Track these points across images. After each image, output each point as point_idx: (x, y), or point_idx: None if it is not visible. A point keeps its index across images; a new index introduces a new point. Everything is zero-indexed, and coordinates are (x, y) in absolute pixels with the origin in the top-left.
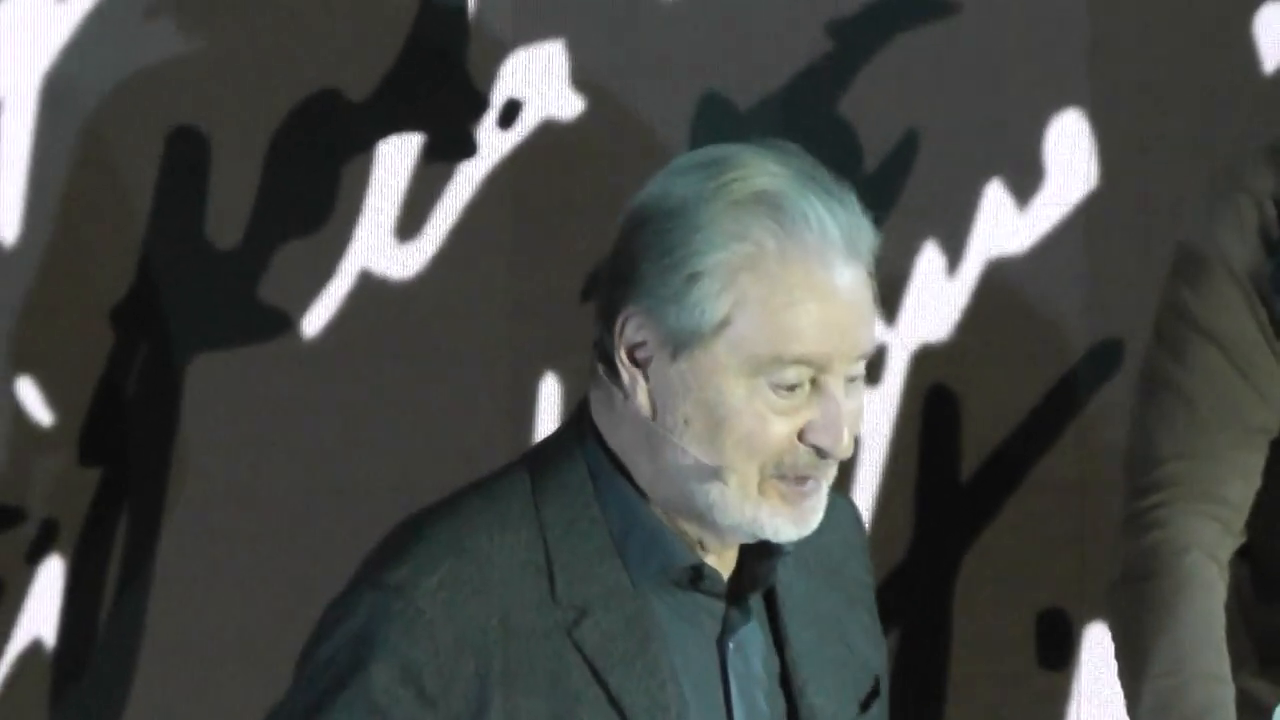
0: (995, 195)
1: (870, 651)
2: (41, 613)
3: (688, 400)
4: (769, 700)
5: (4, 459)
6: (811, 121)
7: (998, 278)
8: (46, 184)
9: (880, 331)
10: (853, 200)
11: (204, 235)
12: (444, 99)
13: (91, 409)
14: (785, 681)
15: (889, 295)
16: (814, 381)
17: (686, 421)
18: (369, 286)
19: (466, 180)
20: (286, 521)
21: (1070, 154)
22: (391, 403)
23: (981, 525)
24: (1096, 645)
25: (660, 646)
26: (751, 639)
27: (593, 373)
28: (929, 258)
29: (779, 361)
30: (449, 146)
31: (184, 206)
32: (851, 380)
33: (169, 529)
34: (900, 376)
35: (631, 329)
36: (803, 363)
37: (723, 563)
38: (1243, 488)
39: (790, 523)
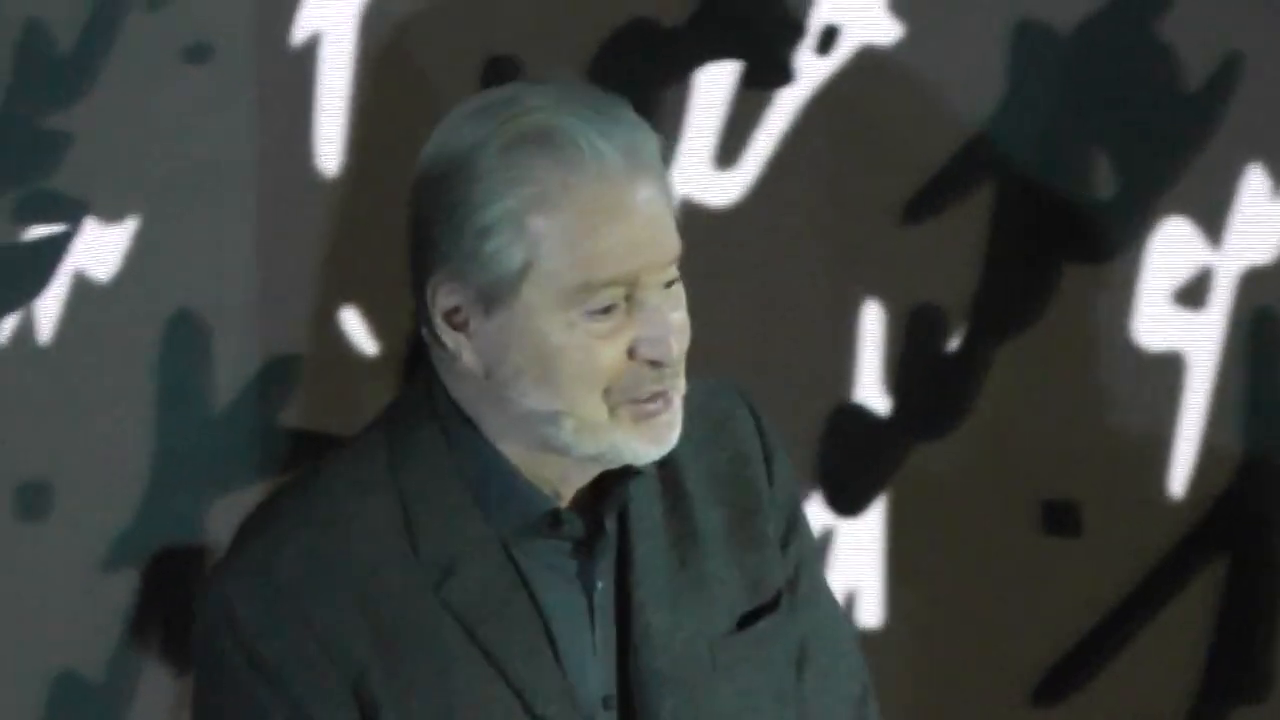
0: None
1: (763, 565)
2: None
3: (513, 351)
4: (612, 621)
5: (330, 390)
6: (1131, 44)
7: None
8: (365, 116)
9: (1206, 254)
10: (627, 112)
11: None
12: (761, 26)
13: (415, 337)
14: (625, 601)
15: (1214, 217)
16: (628, 298)
17: (518, 371)
18: (688, 213)
19: (784, 107)
20: None
21: None
22: (712, 329)
23: None
24: None
25: (527, 594)
26: (608, 566)
27: (426, 336)
28: (1254, 179)
29: (589, 288)
30: (766, 73)
31: None
32: (668, 286)
33: None
34: (1226, 300)
35: (443, 295)
36: (613, 284)
37: (576, 496)
38: None
39: (648, 443)
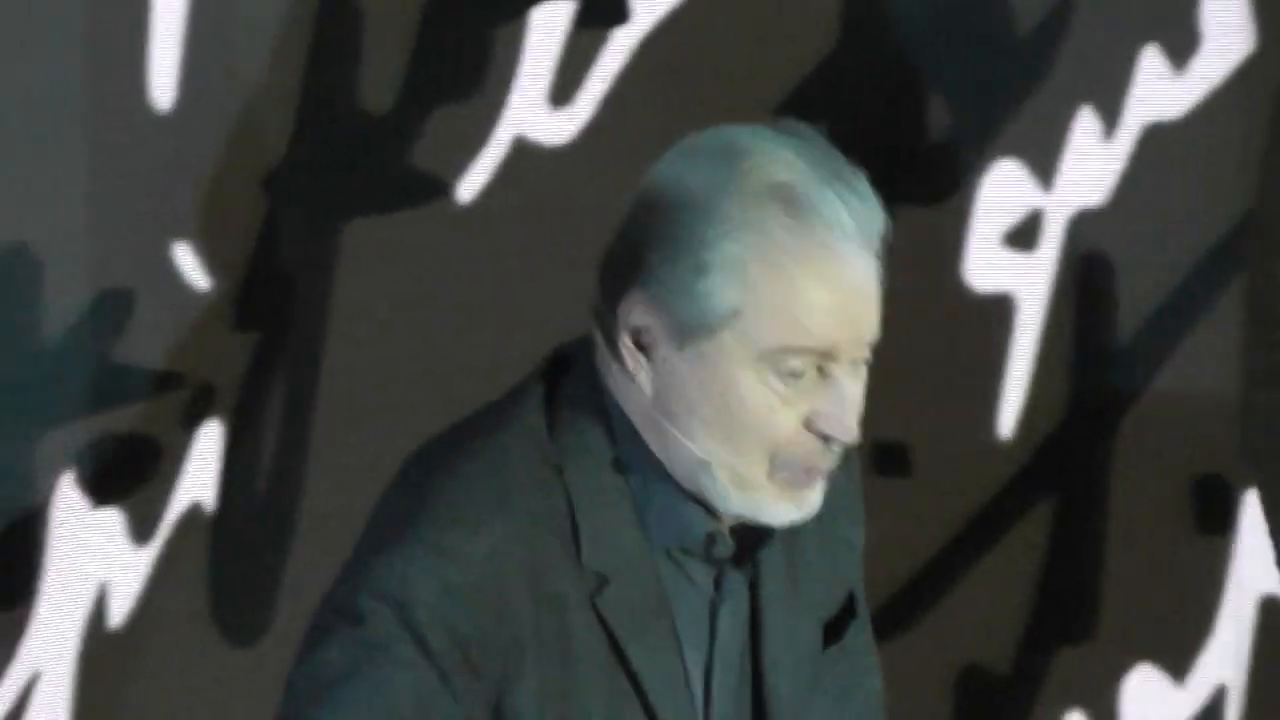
0: (1152, 59)
1: (843, 567)
2: (200, 477)
3: (694, 389)
4: (736, 665)
5: (162, 325)
6: None
7: (1154, 142)
8: (199, 48)
9: (1037, 197)
10: (866, 186)
11: (357, 102)
12: None
13: (248, 275)
14: (754, 651)
15: (1044, 160)
16: (820, 369)
17: (691, 410)
18: (523, 152)
19: (620, 46)
20: (440, 386)
21: (1227, 16)
22: (544, 267)
23: (1138, 391)
24: (1254, 510)
25: (670, 616)
26: (739, 603)
27: (597, 339)
28: (1085, 123)
29: (787, 352)
30: (602, 12)
31: (338, 74)
32: (855, 364)
33: (325, 394)
34: (1056, 242)
35: (638, 314)
36: (810, 353)
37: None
38: None
39: (793, 507)
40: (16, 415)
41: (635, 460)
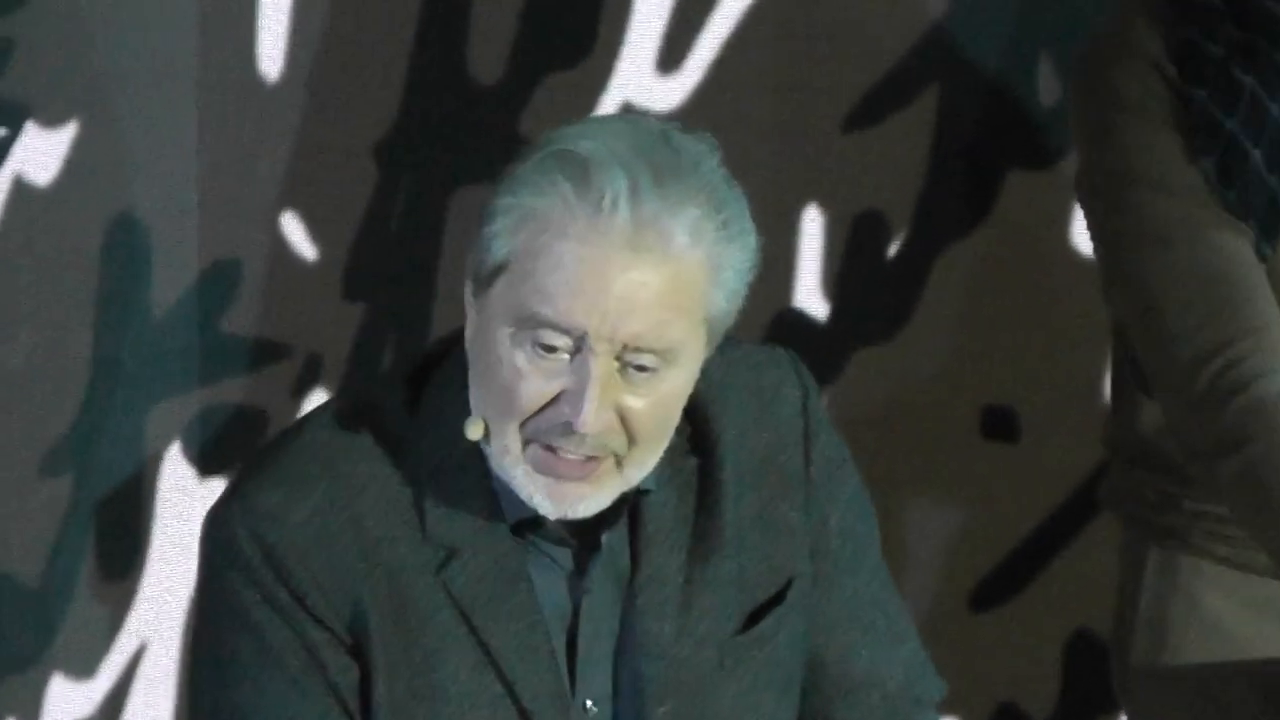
0: None
1: (781, 555)
2: None
3: (476, 341)
4: (613, 627)
5: (270, 295)
6: None
7: None
8: (308, 21)
9: None
10: (693, 193)
11: (465, 70)
12: None
13: (356, 244)
14: (622, 633)
15: None
16: (579, 352)
17: (473, 364)
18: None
19: (728, 11)
20: None
21: None
22: None
23: None
24: None
25: (529, 587)
26: (609, 568)
27: None
28: None
29: (533, 320)
30: None
31: (445, 43)
32: (639, 370)
33: None
34: None
35: (468, 263)
36: (554, 328)
37: None
38: None
39: (548, 499)
40: (125, 386)
41: None
